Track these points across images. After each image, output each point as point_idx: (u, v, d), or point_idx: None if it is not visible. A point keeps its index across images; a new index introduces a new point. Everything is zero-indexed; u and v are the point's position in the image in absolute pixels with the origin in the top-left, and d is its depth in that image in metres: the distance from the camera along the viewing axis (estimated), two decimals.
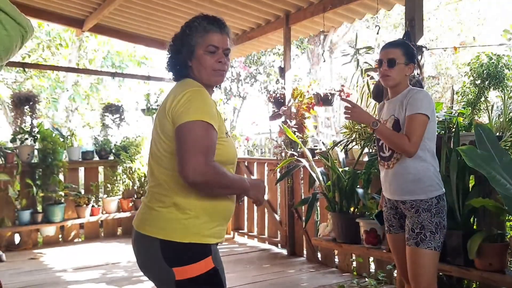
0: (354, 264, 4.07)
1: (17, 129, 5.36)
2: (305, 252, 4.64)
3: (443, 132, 2.91)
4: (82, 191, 5.65)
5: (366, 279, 3.75)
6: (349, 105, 2.27)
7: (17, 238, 5.26)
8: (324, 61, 5.66)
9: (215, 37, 1.58)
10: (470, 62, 3.14)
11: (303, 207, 4.55)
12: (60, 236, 5.52)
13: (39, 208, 5.31)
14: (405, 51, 2.28)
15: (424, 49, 3.39)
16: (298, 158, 4.09)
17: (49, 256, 4.81)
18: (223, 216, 1.55)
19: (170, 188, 1.50)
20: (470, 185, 2.82)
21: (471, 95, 3.12)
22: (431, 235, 2.20)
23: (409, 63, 2.29)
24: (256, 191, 1.56)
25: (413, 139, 2.15)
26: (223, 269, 1.55)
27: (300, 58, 9.83)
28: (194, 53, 1.58)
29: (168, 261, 1.45)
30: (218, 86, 1.66)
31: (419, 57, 3.31)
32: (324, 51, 8.26)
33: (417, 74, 3.25)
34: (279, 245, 5.06)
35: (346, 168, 3.57)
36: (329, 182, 3.66)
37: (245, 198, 5.00)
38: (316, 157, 4.10)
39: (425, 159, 2.24)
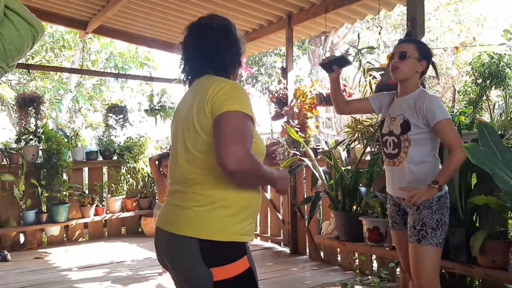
0: (357, 262, 4.10)
1: (22, 130, 5.41)
2: (307, 250, 4.68)
3: None
4: (86, 191, 5.69)
5: (369, 277, 3.78)
6: (412, 192, 2.13)
7: (22, 238, 5.30)
8: (311, 60, 5.63)
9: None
10: (471, 62, 3.17)
11: (305, 206, 4.58)
12: (64, 235, 5.56)
13: (44, 208, 5.36)
14: (419, 47, 2.29)
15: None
16: (301, 158, 4.12)
17: (54, 256, 4.84)
18: (254, 212, 1.54)
19: (206, 186, 1.47)
20: (473, 184, 2.85)
21: (472, 94, 3.15)
22: (432, 232, 2.22)
23: (422, 60, 2.27)
24: (284, 182, 1.55)
25: (457, 145, 2.13)
26: (256, 269, 1.52)
27: (301, 59, 9.86)
28: (239, 60, 1.67)
29: (207, 261, 1.41)
30: None
31: None
32: (325, 52, 8.27)
33: (427, 74, 3.29)
34: (281, 243, 5.09)
35: (349, 167, 3.60)
36: (332, 181, 3.69)
37: None
38: (319, 157, 4.13)
39: (430, 161, 2.28)
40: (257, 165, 1.40)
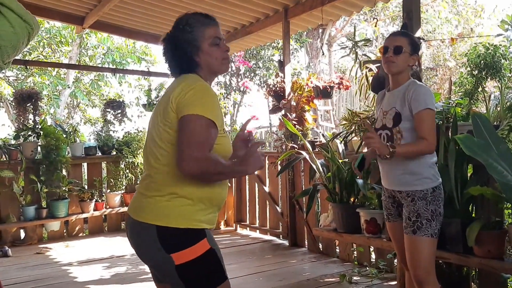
0: (355, 253, 4.13)
1: (20, 126, 5.42)
2: (306, 242, 4.71)
3: (441, 122, 2.95)
4: (86, 187, 5.71)
5: (367, 268, 3.81)
6: (371, 133, 2.22)
7: (22, 234, 5.33)
8: (323, 54, 5.73)
9: (216, 29, 1.67)
10: (467, 53, 3.18)
11: (303, 198, 4.61)
12: (65, 231, 5.59)
13: (44, 203, 5.38)
14: (411, 41, 2.31)
15: (421, 40, 3.43)
16: (299, 151, 4.13)
17: (55, 251, 4.88)
18: (216, 204, 1.63)
19: (167, 178, 1.56)
20: (469, 174, 2.87)
21: (468, 85, 3.16)
22: (427, 223, 2.24)
23: (413, 54, 2.31)
24: (253, 165, 1.55)
25: (430, 137, 2.17)
26: (220, 250, 1.61)
27: (299, 52, 9.84)
28: (200, 48, 1.64)
29: (166, 248, 1.51)
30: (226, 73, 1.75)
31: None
32: (322, 44, 8.26)
33: (415, 66, 3.30)
34: (280, 236, 5.12)
35: (346, 159, 3.61)
36: (329, 173, 3.71)
37: (246, 190, 5.01)
38: (317, 150, 4.15)
39: None
40: (213, 165, 1.49)
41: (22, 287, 3.66)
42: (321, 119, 10.10)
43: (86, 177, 5.97)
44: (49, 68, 10.47)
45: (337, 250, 4.35)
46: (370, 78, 3.57)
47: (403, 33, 2.40)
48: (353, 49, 3.57)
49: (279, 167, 4.64)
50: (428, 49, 9.27)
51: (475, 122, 1.97)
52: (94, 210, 5.58)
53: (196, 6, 4.91)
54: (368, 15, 12.56)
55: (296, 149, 4.23)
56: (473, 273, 3.16)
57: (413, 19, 3.37)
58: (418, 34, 3.38)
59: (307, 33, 10.78)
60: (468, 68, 3.14)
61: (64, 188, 5.34)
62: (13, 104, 5.67)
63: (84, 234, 5.69)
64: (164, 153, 1.57)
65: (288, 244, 4.87)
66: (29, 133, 5.35)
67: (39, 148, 5.37)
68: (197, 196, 1.56)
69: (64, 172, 5.48)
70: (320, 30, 10.63)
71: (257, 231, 5.50)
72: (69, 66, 9.12)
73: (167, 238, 1.51)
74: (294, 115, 4.66)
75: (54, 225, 5.41)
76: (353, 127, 3.57)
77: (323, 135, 4.18)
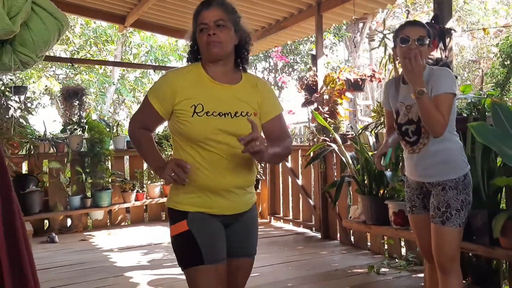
0: (386, 246, 4.13)
1: (67, 120, 5.74)
2: (338, 235, 4.74)
3: (470, 113, 2.92)
4: (128, 178, 5.98)
5: (397, 260, 3.81)
6: (416, 59, 2.10)
7: (69, 222, 5.65)
8: (355, 47, 5.63)
9: (203, 15, 1.68)
10: (498, 43, 3.11)
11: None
12: (108, 220, 5.89)
13: (88, 193, 5.68)
14: (428, 33, 2.23)
15: (452, 31, 3.39)
16: (329, 143, 4.17)
17: (98, 238, 5.16)
18: (201, 188, 1.68)
19: None
20: (497, 165, 2.83)
21: (500, 76, 3.10)
22: (456, 213, 2.19)
23: (430, 45, 2.24)
24: (160, 174, 1.71)
25: (446, 119, 2.11)
26: (218, 235, 1.71)
27: (337, 46, 9.79)
28: (196, 36, 1.72)
29: (169, 221, 1.78)
30: (221, 58, 1.72)
31: (447, 40, 3.32)
32: (355, 37, 8.18)
33: (445, 57, 3.26)
34: (313, 228, 5.18)
35: (375, 152, 3.62)
36: (359, 165, 3.73)
37: (279, 183, 5.08)
38: (348, 143, 4.18)
39: (450, 139, 2.23)
40: (133, 140, 1.83)
41: (67, 269, 3.92)
42: (360, 114, 10.02)
43: (128, 169, 6.25)
44: (96, 66, 10.95)
45: (369, 243, 4.36)
46: (400, 70, 3.55)
47: (420, 23, 2.31)
48: (383, 41, 3.56)
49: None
50: (471, 41, 8.97)
51: (494, 111, 1.96)
52: (135, 200, 5.83)
53: (234, 4, 5.04)
54: (411, 7, 12.30)
55: (327, 142, 4.28)
56: (504, 266, 3.10)
57: (444, 10, 3.34)
58: (449, 25, 3.34)
59: (346, 27, 10.70)
60: (500, 59, 3.08)
61: (107, 179, 5.62)
62: (61, 99, 6.01)
63: (126, 224, 5.97)
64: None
65: (320, 236, 4.92)
66: (75, 127, 5.67)
67: (84, 141, 5.67)
68: None
69: (107, 164, 5.76)
70: (361, 24, 10.53)
71: (291, 223, 5.58)
72: (112, 63, 9.53)
73: (168, 214, 1.79)
74: (326, 108, 4.70)
75: (98, 214, 5.71)
76: (382, 119, 3.57)
77: (351, 127, 4.18)
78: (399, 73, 3.67)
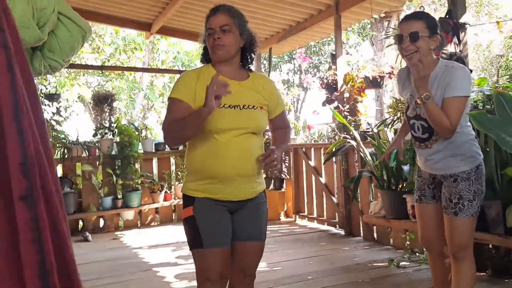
0: (408, 241, 4.15)
1: (98, 125, 6.01)
2: (361, 232, 4.79)
3: (483, 106, 2.95)
4: (156, 179, 6.20)
5: (417, 254, 3.84)
6: (422, 64, 2.06)
7: (101, 222, 5.90)
8: (373, 45, 5.66)
9: (210, 21, 1.88)
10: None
11: (359, 188, 4.69)
12: (138, 220, 6.11)
13: (119, 195, 5.92)
14: (428, 23, 2.14)
15: (467, 26, 3.42)
16: (349, 140, 4.25)
17: (128, 237, 5.38)
18: (208, 176, 1.84)
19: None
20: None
21: None
22: (469, 204, 2.20)
23: (433, 36, 2.14)
24: (207, 101, 1.66)
25: (454, 122, 2.09)
26: (219, 222, 1.87)
27: (361, 46, 9.80)
28: (205, 39, 1.91)
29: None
30: (225, 60, 1.90)
31: (462, 34, 3.36)
32: (372, 36, 8.17)
33: (459, 51, 3.30)
34: (337, 226, 5.24)
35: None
36: (377, 161, 3.80)
37: (303, 182, 5.17)
38: (368, 139, 4.24)
39: (463, 131, 2.22)
40: (173, 126, 1.83)
41: (99, 265, 4.13)
42: (387, 112, 9.99)
43: (156, 171, 6.47)
44: (125, 73, 11.32)
45: (391, 240, 4.40)
46: None
47: (417, 15, 2.21)
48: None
49: (334, 159, 4.78)
50: (499, 36, 8.81)
51: (497, 99, 1.98)
52: (163, 200, 6.04)
53: (251, 7, 5.19)
54: (438, 3, 12.15)
55: (347, 140, 4.35)
56: None
57: (458, 4, 3.38)
58: (463, 19, 3.38)
59: (371, 26, 10.69)
60: None
61: (137, 181, 5.85)
62: (92, 105, 6.29)
63: (156, 224, 6.18)
64: None
65: (344, 233, 4.97)
66: (106, 131, 5.92)
67: (114, 145, 5.91)
68: (190, 168, 1.92)
69: (136, 166, 5.99)
70: (386, 23, 10.50)
71: (315, 221, 5.65)
72: (141, 70, 9.84)
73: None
74: (346, 106, 4.77)
75: (129, 214, 5.94)
76: (398, 114, 3.63)
77: (368, 123, 4.24)
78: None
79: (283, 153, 1.92)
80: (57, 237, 0.84)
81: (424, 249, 2.59)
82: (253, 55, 1.99)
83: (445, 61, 2.26)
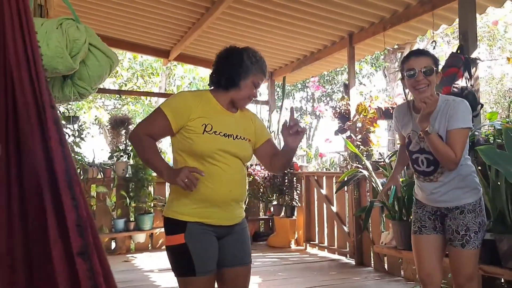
0: None
1: (114, 147, 6.14)
2: (372, 262, 4.77)
3: (494, 139, 2.99)
4: None
5: None
6: (432, 98, 2.10)
7: (113, 244, 5.96)
8: (385, 76, 5.75)
9: (262, 78, 2.08)
10: None
11: (370, 218, 4.70)
12: (149, 243, 6.15)
13: (132, 217, 5.98)
14: (434, 60, 2.23)
15: (478, 61, 3.49)
16: (361, 170, 4.29)
17: (139, 260, 5.41)
18: (203, 199, 1.87)
19: None
20: None
21: None
22: (475, 236, 2.23)
23: (438, 72, 2.24)
24: (172, 178, 1.81)
25: (458, 154, 2.14)
26: (210, 248, 1.89)
27: (375, 76, 9.91)
28: (247, 78, 2.02)
29: (165, 231, 1.96)
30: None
31: (473, 69, 3.43)
32: (385, 68, 8.28)
33: (470, 85, 3.36)
34: (347, 255, 5.22)
35: (405, 178, 3.71)
36: (389, 191, 3.81)
37: (315, 210, 5.17)
38: (380, 170, 4.28)
39: (466, 163, 2.28)
40: (138, 146, 1.92)
41: None
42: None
43: (169, 194, 6.52)
44: (142, 97, 11.54)
45: (402, 271, 4.37)
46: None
47: (425, 52, 2.30)
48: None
49: (346, 188, 4.81)
50: None
51: (507, 135, 2.05)
52: None
53: (267, 38, 5.34)
54: (451, 36, 12.27)
55: (359, 169, 4.39)
56: None
57: (469, 40, 3.46)
58: (474, 55, 3.45)
59: (384, 57, 10.83)
60: None
61: (149, 204, 5.92)
62: (109, 128, 6.44)
63: None
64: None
65: (354, 263, 4.96)
66: (121, 154, 6.04)
67: (129, 167, 6.02)
68: (180, 191, 1.85)
69: (150, 189, 6.06)
70: (399, 54, 10.64)
71: (325, 250, 5.64)
72: (157, 95, 10.04)
73: (164, 223, 1.96)
74: (359, 136, 4.83)
75: (141, 237, 5.99)
76: None
77: (380, 153, 4.28)
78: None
79: (291, 156, 1.99)
80: (108, 284, 1.00)
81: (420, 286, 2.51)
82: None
83: (445, 96, 2.32)
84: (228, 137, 1.93)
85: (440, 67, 2.32)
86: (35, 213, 0.99)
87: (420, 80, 2.18)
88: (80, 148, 5.27)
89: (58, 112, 1.04)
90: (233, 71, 1.97)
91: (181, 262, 1.87)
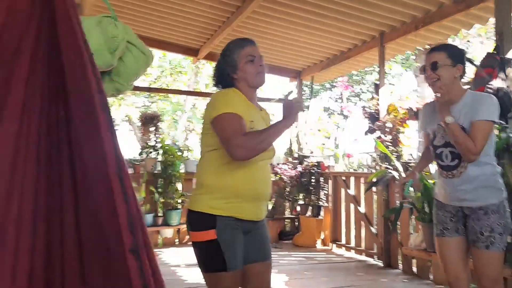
0: None
1: (144, 144, 6.25)
2: (400, 264, 4.71)
3: None
4: None
5: None
6: (443, 90, 2.19)
7: None
8: (417, 76, 5.66)
9: (251, 48, 1.98)
10: None
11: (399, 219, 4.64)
12: (176, 238, 6.23)
13: (160, 212, 6.07)
14: (449, 53, 2.24)
15: None
16: (391, 171, 4.24)
17: (166, 254, 5.50)
18: (240, 194, 1.87)
19: (197, 173, 1.99)
20: None
21: None
22: (499, 237, 2.20)
23: (457, 64, 2.23)
24: (290, 114, 1.86)
25: (478, 145, 2.15)
26: (239, 244, 1.88)
27: (405, 76, 9.76)
28: (238, 66, 1.97)
29: (188, 226, 1.93)
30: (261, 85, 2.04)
31: (509, 69, 3.34)
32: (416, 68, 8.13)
33: (506, 86, 3.28)
34: (375, 257, 5.16)
35: (435, 180, 3.65)
36: (419, 193, 3.76)
37: (341, 210, 5.16)
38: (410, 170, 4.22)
39: (491, 163, 2.27)
40: (253, 139, 1.79)
41: None
42: None
43: None
44: (170, 95, 11.69)
45: (431, 275, 4.30)
46: None
47: (439, 47, 2.32)
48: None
49: (375, 189, 4.77)
50: None
51: None
52: None
53: (296, 36, 5.33)
54: (484, 37, 11.96)
55: (388, 170, 4.34)
56: None
57: (505, 40, 3.38)
58: (510, 55, 3.37)
59: (415, 57, 10.65)
60: None
61: (177, 199, 6.00)
62: (139, 125, 6.55)
63: None
64: (202, 155, 1.99)
65: (382, 265, 4.90)
66: (151, 150, 6.14)
67: (158, 164, 6.11)
68: (215, 185, 1.87)
69: (178, 185, 6.14)
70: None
71: (352, 251, 5.59)
72: (185, 93, 10.15)
73: (189, 218, 1.93)
74: (389, 136, 4.77)
75: (168, 232, 6.07)
76: None
77: (411, 154, 4.22)
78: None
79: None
80: (156, 281, 1.01)
81: None
82: None
83: (473, 92, 2.36)
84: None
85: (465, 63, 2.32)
86: (87, 208, 0.98)
87: (429, 75, 2.26)
88: None
89: (106, 97, 1.03)
90: (223, 64, 2.00)
91: (212, 258, 1.85)
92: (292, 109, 1.86)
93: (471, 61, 2.51)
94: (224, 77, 2.00)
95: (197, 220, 1.88)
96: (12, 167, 1.00)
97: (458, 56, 2.27)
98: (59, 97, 1.04)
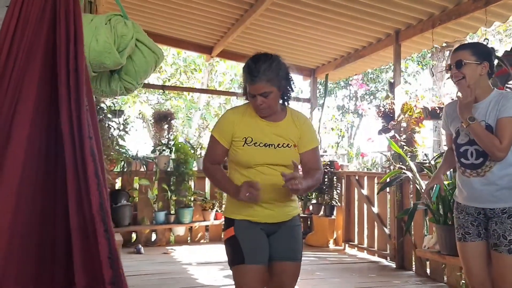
0: (464, 280, 3.98)
1: (157, 142, 6.26)
2: (413, 266, 4.64)
3: None
4: (208, 197, 6.33)
5: None
6: (470, 90, 2.18)
7: (153, 236, 6.09)
8: (433, 75, 5.56)
9: (251, 88, 2.03)
10: None
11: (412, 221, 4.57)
12: (189, 236, 6.24)
13: (172, 210, 6.09)
14: (474, 50, 2.23)
15: None
16: (405, 171, 4.17)
17: (178, 252, 5.51)
18: (241, 205, 2.07)
19: None
20: None
21: None
22: None
23: (483, 62, 2.22)
24: (236, 196, 2.01)
25: (504, 142, 2.12)
26: (259, 240, 2.06)
27: (421, 75, 9.62)
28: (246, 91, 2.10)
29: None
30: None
31: None
32: (432, 66, 8.00)
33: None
34: (388, 258, 5.10)
35: (450, 181, 3.58)
36: (433, 195, 3.69)
37: (355, 211, 5.08)
38: (425, 171, 4.14)
39: None
40: (209, 176, 2.20)
41: (149, 278, 4.26)
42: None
43: (208, 189, 6.61)
44: (184, 93, 11.72)
45: (445, 277, 4.23)
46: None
47: (464, 45, 2.32)
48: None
49: (388, 189, 4.70)
50: None
51: None
52: (214, 219, 6.14)
53: (313, 34, 5.27)
54: (503, 34, 11.73)
55: (402, 170, 4.27)
56: None
57: None
58: None
59: (431, 55, 10.49)
60: None
61: (189, 198, 6.00)
62: (152, 122, 6.57)
63: (205, 241, 6.28)
64: None
65: (395, 266, 4.84)
66: (164, 148, 6.15)
67: (171, 161, 6.12)
68: (228, 197, 2.20)
69: (190, 183, 6.15)
70: (447, 52, 10.27)
71: (365, 251, 5.53)
72: (199, 91, 10.17)
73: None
74: (403, 136, 4.70)
75: (180, 230, 6.08)
76: None
77: (426, 154, 4.14)
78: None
79: (307, 186, 1.97)
80: None
81: None
82: (290, 94, 2.18)
83: (499, 91, 2.32)
84: (269, 147, 2.08)
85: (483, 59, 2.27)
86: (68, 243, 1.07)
87: (454, 73, 2.26)
88: (124, 141, 5.43)
89: (95, 142, 1.09)
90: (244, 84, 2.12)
91: (233, 252, 2.06)
92: (238, 193, 1.99)
93: (500, 59, 2.46)
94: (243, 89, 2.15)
95: (224, 223, 2.18)
96: (23, 167, 1.10)
97: (483, 54, 2.25)
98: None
